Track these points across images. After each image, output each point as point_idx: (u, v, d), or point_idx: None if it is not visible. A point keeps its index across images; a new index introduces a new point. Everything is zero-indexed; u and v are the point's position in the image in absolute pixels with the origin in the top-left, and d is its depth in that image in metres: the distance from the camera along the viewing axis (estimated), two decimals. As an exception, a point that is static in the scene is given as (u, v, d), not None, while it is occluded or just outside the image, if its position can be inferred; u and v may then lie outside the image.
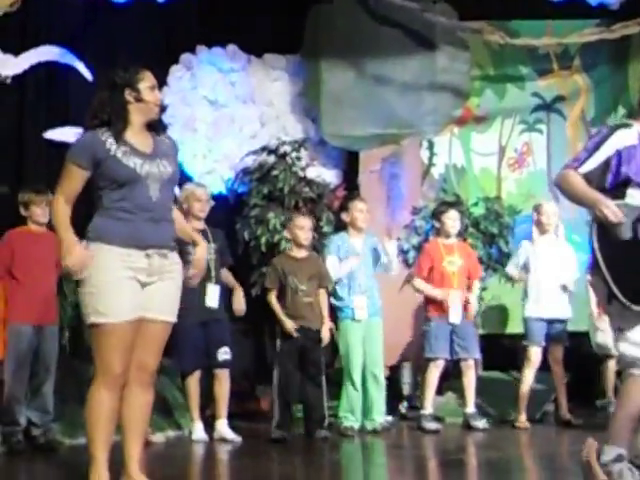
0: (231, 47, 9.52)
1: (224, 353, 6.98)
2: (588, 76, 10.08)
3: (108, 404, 4.49)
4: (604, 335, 7.64)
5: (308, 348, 7.10)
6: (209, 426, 6.99)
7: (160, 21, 9.16)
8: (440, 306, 7.53)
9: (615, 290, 4.53)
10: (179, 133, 9.33)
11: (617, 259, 4.56)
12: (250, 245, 8.72)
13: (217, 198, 8.60)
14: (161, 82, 8.94)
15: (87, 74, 8.86)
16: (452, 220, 7.67)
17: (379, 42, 9.53)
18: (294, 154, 9.21)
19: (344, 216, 7.50)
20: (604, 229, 4.49)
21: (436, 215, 7.84)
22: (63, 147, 8.74)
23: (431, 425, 7.28)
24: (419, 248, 8.50)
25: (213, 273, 6.99)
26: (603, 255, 4.56)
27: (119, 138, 4.48)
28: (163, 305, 4.60)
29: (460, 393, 7.78)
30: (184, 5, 9.04)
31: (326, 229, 8.85)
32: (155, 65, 8.90)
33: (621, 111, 9.95)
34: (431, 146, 9.88)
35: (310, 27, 9.57)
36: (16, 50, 8.36)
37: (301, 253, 7.23)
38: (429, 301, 7.65)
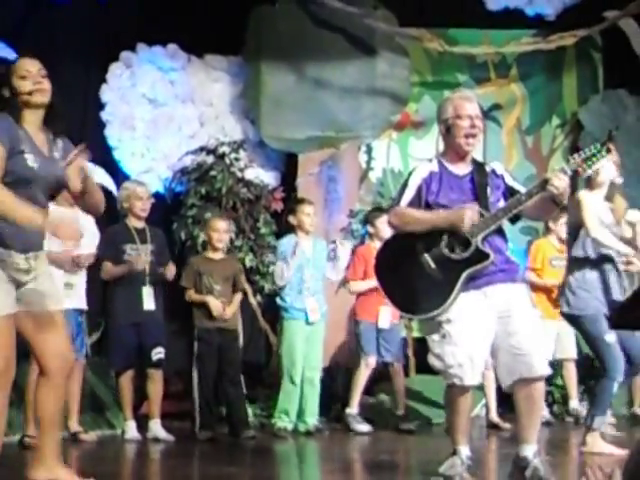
0: (172, 46, 9.47)
1: (158, 353, 6.97)
2: (524, 85, 10.26)
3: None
4: None
5: (225, 348, 7.14)
6: (142, 425, 6.97)
7: (100, 18, 9.08)
8: (369, 310, 7.61)
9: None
10: (117, 131, 9.29)
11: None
12: (186, 245, 8.69)
13: (154, 197, 8.49)
14: (100, 79, 9.15)
15: None
16: (385, 225, 7.68)
17: (320, 46, 9.59)
18: (233, 155, 9.20)
19: (291, 219, 7.55)
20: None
21: (370, 220, 7.90)
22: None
23: (361, 427, 7.35)
24: (355, 251, 8.55)
25: (148, 275, 7.00)
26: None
27: (19, 131, 4.37)
28: (52, 296, 4.56)
29: (392, 395, 7.87)
30: (125, 2, 9.03)
31: (264, 230, 8.87)
32: (95, 62, 9.13)
33: (555, 121, 10.24)
34: (369, 150, 9.94)
35: (252, 29, 9.58)
36: (-48, 43, 8.23)
37: (217, 255, 7.28)
38: (359, 305, 7.73)
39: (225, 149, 9.22)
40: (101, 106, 9.28)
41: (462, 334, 4.93)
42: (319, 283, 7.50)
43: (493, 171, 5.23)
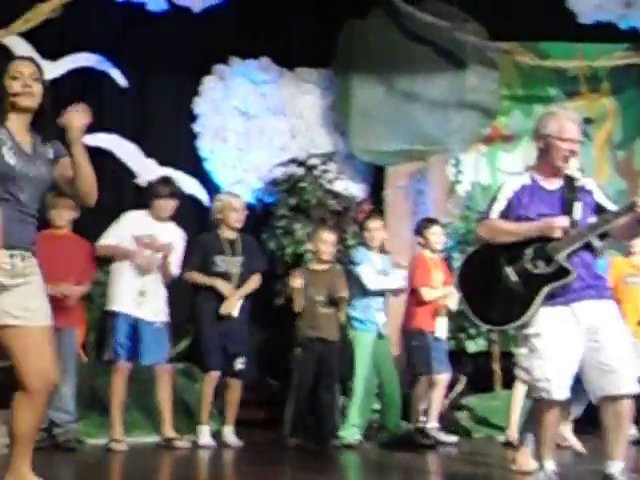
0: (264, 59, 9.58)
1: (240, 363, 7.05)
2: (616, 99, 10.08)
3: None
4: None
5: (325, 358, 7.18)
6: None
7: (194, 31, 9.25)
8: (427, 320, 7.61)
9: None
10: (210, 142, 9.43)
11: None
12: (276, 255, 8.76)
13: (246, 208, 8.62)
14: (194, 91, 9.33)
15: (122, 81, 9.00)
16: (435, 235, 7.83)
17: (410, 59, 9.58)
18: (322, 167, 9.26)
19: (364, 233, 7.66)
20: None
21: (420, 231, 7.93)
22: (96, 153, 8.90)
23: (447, 438, 7.44)
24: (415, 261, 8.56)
25: (237, 286, 7.08)
26: None
27: (2, 130, 4.35)
28: (38, 309, 4.39)
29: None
30: (219, 16, 9.18)
31: (351, 242, 8.88)
32: (188, 75, 9.30)
33: None
34: (457, 163, 9.86)
35: (342, 42, 9.62)
36: (54, 56, 8.46)
37: (322, 266, 7.32)
38: (419, 314, 7.68)
39: (315, 161, 9.26)
40: (194, 118, 9.42)
41: (550, 349, 4.93)
42: (385, 298, 7.58)
43: (584, 187, 5.17)
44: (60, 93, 8.90)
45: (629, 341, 5.11)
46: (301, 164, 9.29)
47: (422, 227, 7.97)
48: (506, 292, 5.12)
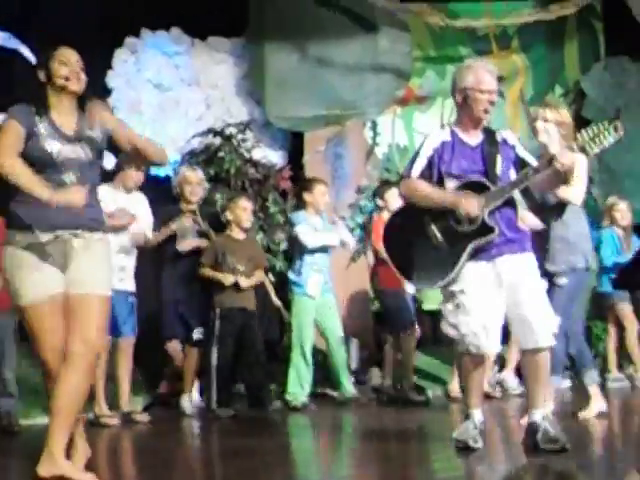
0: (175, 30, 9.54)
1: (197, 332, 7.29)
2: (526, 56, 10.30)
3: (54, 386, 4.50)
4: None
5: (246, 328, 7.26)
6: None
7: (104, 5, 9.09)
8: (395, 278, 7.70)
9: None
10: (125, 116, 9.11)
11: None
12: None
13: (164, 180, 8.64)
14: (106, 65, 9.17)
15: (31, 57, 8.74)
16: (394, 197, 7.83)
17: (321, 24, 9.64)
18: (240, 136, 9.24)
19: (307, 196, 7.70)
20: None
21: (379, 193, 8.03)
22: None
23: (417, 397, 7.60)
24: (363, 227, 8.69)
25: None
26: None
27: (41, 116, 4.48)
28: (85, 280, 4.57)
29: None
30: None
31: (273, 209, 8.94)
32: (99, 48, 8.94)
33: (558, 90, 10.26)
34: (374, 126, 9.96)
35: (254, 9, 9.65)
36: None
37: (241, 235, 7.39)
38: (382, 274, 7.79)
39: (232, 130, 9.25)
40: (108, 92, 9.30)
41: (475, 304, 5.05)
42: (325, 259, 7.66)
43: (504, 140, 5.25)
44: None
45: (543, 290, 5.23)
46: (218, 134, 9.25)
47: (381, 190, 8.10)
48: (432, 251, 5.19)
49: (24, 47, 8.85)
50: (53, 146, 4.49)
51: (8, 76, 8.75)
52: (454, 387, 7.62)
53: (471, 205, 5.04)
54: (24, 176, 4.39)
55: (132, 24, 9.44)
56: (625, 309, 8.59)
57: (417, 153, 5.28)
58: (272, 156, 9.63)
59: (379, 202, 7.99)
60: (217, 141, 9.25)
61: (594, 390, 6.30)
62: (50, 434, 4.38)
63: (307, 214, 7.64)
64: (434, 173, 5.20)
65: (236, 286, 7.18)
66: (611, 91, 9.96)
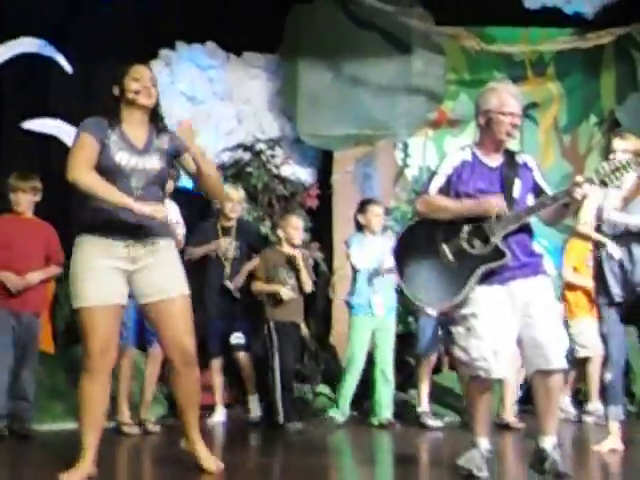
0: (210, 44, 9.54)
1: (237, 338, 7.58)
2: (561, 84, 10.20)
3: (91, 390, 4.70)
4: None
5: (298, 342, 7.46)
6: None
7: (141, 16, 9.23)
8: None
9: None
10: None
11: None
12: (224, 240, 8.74)
13: (193, 193, 8.43)
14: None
15: (67, 67, 8.96)
16: (376, 216, 7.92)
17: (356, 44, 9.60)
18: (269, 152, 9.28)
19: (360, 218, 7.73)
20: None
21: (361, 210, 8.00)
22: (41, 138, 8.83)
23: (434, 423, 7.54)
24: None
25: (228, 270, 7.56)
26: None
27: (113, 128, 4.68)
28: (162, 285, 4.79)
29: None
30: (164, 0, 9.18)
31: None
32: (134, 60, 9.00)
33: (593, 119, 10.17)
34: (405, 148, 9.92)
35: (289, 27, 9.64)
36: (-2, 41, 8.44)
37: (291, 251, 7.51)
38: None
39: (262, 146, 9.29)
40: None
41: (486, 328, 5.01)
42: (382, 279, 7.67)
43: (525, 164, 5.24)
44: (4, 79, 8.96)
45: (559, 314, 5.18)
46: (248, 149, 9.28)
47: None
48: (441, 271, 5.17)
49: (60, 55, 8.97)
50: (122, 157, 4.71)
51: (43, 83, 8.89)
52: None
53: (495, 201, 5.03)
54: (102, 188, 4.59)
55: (168, 36, 9.46)
56: None
57: (436, 171, 5.28)
58: (301, 173, 9.61)
59: (360, 218, 7.92)
60: (246, 156, 9.29)
61: (613, 427, 6.25)
62: None
63: (362, 235, 7.70)
64: (451, 192, 5.17)
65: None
66: None
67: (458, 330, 5.18)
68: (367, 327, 7.61)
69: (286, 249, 7.51)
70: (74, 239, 4.90)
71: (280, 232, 7.72)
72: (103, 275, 4.70)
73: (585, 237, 6.32)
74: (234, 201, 7.72)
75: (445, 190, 5.19)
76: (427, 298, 5.36)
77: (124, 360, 6.92)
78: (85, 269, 4.71)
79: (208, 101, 9.58)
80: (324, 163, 9.91)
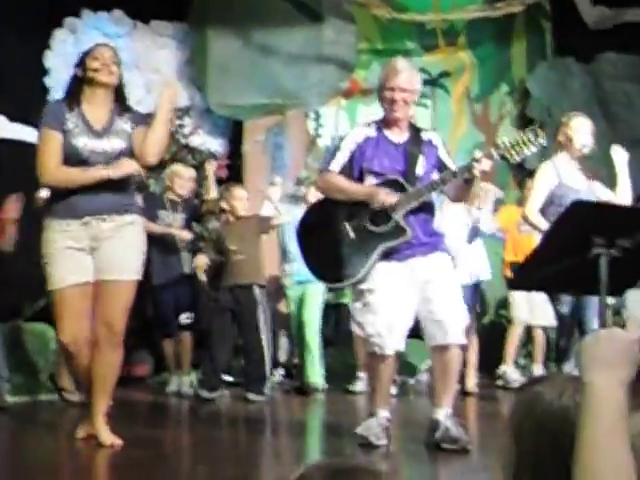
0: (117, 12, 9.49)
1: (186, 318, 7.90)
2: (473, 53, 10.40)
3: (75, 365, 5.03)
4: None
5: (242, 303, 7.50)
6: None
7: (46, -17, 9.14)
8: None
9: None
10: (61, 97, 9.16)
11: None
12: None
13: None
14: (44, 45, 9.15)
15: None
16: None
17: (266, 12, 9.67)
18: (178, 121, 9.28)
19: (224, 204, 7.89)
20: None
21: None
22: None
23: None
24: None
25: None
26: None
27: (72, 110, 4.93)
28: (112, 265, 4.96)
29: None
30: None
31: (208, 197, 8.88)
32: (39, 29, 9.09)
33: (504, 88, 10.46)
34: (317, 117, 10.01)
35: (198, -8, 9.71)
36: None
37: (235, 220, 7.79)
38: None
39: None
40: (45, 72, 9.30)
41: (382, 304, 5.12)
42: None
43: (429, 141, 5.33)
44: None
45: (458, 292, 5.34)
46: None
47: None
48: (343, 248, 5.28)
49: None
50: (80, 141, 4.90)
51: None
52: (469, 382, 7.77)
53: (388, 196, 5.08)
54: (72, 178, 4.84)
55: (73, 4, 9.38)
56: None
57: (338, 146, 5.34)
58: (211, 144, 9.68)
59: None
60: None
61: None
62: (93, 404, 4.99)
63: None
64: (355, 168, 5.24)
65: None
66: (555, 91, 10.14)
67: (355, 306, 5.32)
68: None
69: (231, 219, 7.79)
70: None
71: (224, 204, 7.89)
72: (65, 256, 4.90)
73: (532, 225, 6.34)
74: (184, 178, 8.00)
75: (348, 167, 5.26)
76: (331, 276, 5.45)
77: None
78: (49, 253, 4.93)
79: (116, 70, 9.46)
80: (234, 133, 9.96)
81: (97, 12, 9.52)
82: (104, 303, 4.99)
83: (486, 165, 5.00)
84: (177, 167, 8.36)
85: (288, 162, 9.76)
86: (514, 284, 6.97)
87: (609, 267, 3.91)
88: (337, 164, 5.28)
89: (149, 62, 9.64)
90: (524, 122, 10.12)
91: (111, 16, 9.56)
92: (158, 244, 7.65)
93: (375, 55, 10.20)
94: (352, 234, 5.24)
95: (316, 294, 8.03)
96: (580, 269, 3.97)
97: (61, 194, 4.90)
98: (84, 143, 4.92)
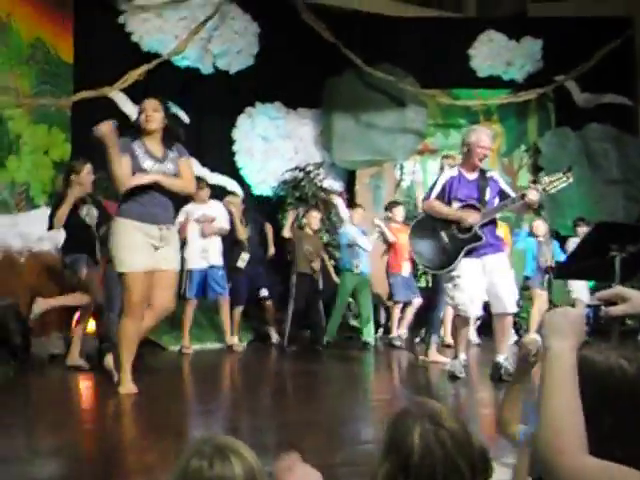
0: (277, 103, 11.44)
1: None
2: (502, 125, 12.10)
3: (130, 330, 5.41)
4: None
5: (313, 287, 9.08)
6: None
7: (232, 85, 10.87)
8: (397, 264, 9.38)
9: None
10: (243, 157, 11.20)
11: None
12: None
13: (267, 199, 10.99)
14: (232, 125, 11.20)
15: (185, 119, 10.38)
16: (398, 211, 9.65)
17: (370, 101, 11.36)
18: (315, 172, 11.16)
19: (303, 221, 9.15)
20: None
21: (389, 208, 9.69)
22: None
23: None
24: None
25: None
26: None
27: (136, 144, 5.33)
28: (169, 260, 5.41)
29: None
30: (247, 74, 10.99)
31: (334, 219, 10.98)
32: (229, 114, 11.26)
33: (522, 147, 12.16)
34: (401, 168, 11.69)
35: (326, 90, 11.51)
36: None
37: (311, 232, 9.39)
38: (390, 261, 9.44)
39: (310, 168, 11.14)
40: (232, 142, 11.29)
41: (466, 285, 5.96)
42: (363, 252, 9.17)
43: (492, 177, 6.12)
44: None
45: (512, 278, 6.06)
46: (302, 170, 11.08)
47: (390, 206, 9.56)
48: (441, 248, 5.96)
49: (181, 112, 10.26)
50: (148, 163, 5.39)
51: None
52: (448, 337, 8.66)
53: (472, 218, 5.83)
54: (134, 181, 5.22)
55: (250, 98, 11.25)
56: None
57: (435, 183, 6.12)
58: (335, 185, 11.46)
59: (388, 213, 9.66)
60: (301, 175, 11.09)
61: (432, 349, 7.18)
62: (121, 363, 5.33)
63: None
64: (445, 197, 6.02)
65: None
66: (557, 149, 11.67)
67: (448, 286, 6.08)
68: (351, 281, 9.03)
69: (308, 231, 9.08)
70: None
71: (305, 220, 9.27)
72: (141, 248, 5.25)
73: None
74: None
75: (441, 196, 5.99)
76: (432, 265, 6.17)
77: (188, 307, 8.53)
78: (128, 242, 5.27)
79: (276, 140, 11.39)
80: (350, 178, 11.66)
81: (265, 103, 11.34)
82: (162, 287, 5.33)
83: (534, 195, 5.69)
84: (231, 197, 9.05)
85: (383, 197, 11.35)
86: (559, 274, 7.72)
87: (621, 264, 4.33)
88: (434, 195, 5.99)
89: (297, 134, 11.55)
90: (536, 169, 11.69)
91: (273, 105, 11.40)
92: None
93: (438, 128, 11.84)
94: (446, 239, 5.90)
95: (368, 282, 9.09)
96: (602, 265, 4.39)
97: (136, 200, 5.15)
98: (151, 166, 5.21)
